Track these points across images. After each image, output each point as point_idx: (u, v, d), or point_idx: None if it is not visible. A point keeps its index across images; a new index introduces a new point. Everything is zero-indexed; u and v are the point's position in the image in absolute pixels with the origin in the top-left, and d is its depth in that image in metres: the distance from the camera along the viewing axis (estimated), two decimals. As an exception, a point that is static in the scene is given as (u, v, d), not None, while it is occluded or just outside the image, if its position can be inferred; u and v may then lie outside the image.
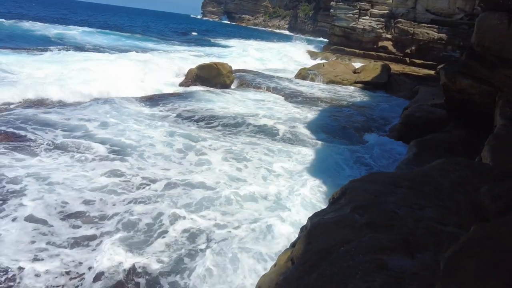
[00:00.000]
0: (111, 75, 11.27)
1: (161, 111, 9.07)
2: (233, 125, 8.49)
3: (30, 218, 4.08)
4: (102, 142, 6.45)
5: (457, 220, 2.24)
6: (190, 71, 13.10)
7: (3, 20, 24.33)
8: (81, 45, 19.91)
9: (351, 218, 2.30)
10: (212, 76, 12.77)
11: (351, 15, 26.83)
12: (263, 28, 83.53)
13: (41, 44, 18.00)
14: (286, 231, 4.34)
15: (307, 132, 8.66)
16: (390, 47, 25.00)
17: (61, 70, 11.46)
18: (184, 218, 4.41)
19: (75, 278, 3.36)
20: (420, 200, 2.47)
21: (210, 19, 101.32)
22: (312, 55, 27.98)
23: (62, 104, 8.45)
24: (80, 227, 4.10)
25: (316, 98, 12.89)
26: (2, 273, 3.30)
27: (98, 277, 3.37)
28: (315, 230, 2.32)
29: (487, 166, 3.21)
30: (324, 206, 4.89)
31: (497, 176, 2.69)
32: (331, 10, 29.34)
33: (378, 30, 25.59)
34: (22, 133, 6.38)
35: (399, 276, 1.81)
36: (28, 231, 3.89)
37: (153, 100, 9.97)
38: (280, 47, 32.71)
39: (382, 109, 12.53)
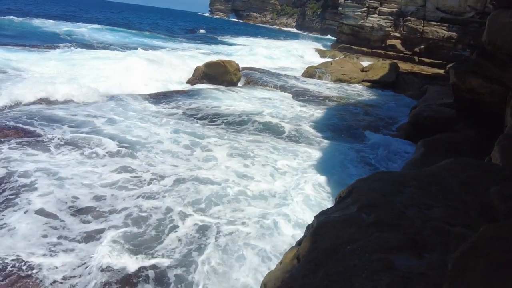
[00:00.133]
0: (118, 73, 11.36)
1: (168, 108, 9.11)
2: (239, 123, 8.50)
3: (41, 212, 4.15)
4: (111, 138, 6.52)
5: (465, 220, 2.22)
6: (197, 68, 13.13)
7: (14, 17, 24.66)
8: (90, 43, 20.09)
9: (357, 217, 2.29)
10: (219, 74, 12.79)
11: (360, 13, 26.62)
12: (271, 26, 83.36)
13: (51, 41, 18.20)
14: (291, 229, 4.36)
15: (313, 130, 8.63)
16: (399, 46, 24.76)
17: (69, 68, 11.59)
18: (193, 214, 4.46)
19: (84, 271, 3.41)
20: (428, 199, 2.44)
21: (218, 16, 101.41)
22: (320, 53, 27.88)
23: (71, 102, 8.54)
24: (91, 222, 4.16)
25: (323, 96, 12.83)
26: (15, 267, 3.36)
27: (106, 270, 3.41)
28: (322, 228, 2.31)
29: (497, 167, 3.17)
30: (329, 205, 4.90)
31: (507, 176, 2.65)
32: (340, 8, 29.14)
33: (387, 29, 25.35)
34: (32, 129, 6.47)
35: (406, 276, 1.80)
36: (40, 225, 3.96)
37: (160, 97, 10.02)
38: (288, 45, 32.66)
39: (389, 108, 12.42)
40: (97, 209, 4.41)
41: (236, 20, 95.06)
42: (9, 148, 5.52)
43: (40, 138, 6.12)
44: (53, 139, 6.16)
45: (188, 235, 4.06)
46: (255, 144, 7.19)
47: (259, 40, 37.98)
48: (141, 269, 3.51)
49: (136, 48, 17.45)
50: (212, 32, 44.66)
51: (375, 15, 26.02)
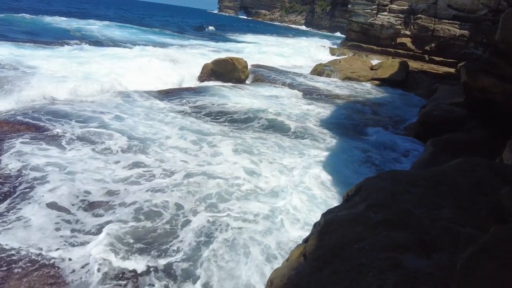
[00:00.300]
0: (128, 70, 11.46)
1: (176, 105, 9.17)
2: (245, 120, 8.52)
3: (53, 206, 4.24)
4: (121, 133, 6.62)
5: (475, 221, 2.19)
6: (205, 66, 13.16)
7: (25, 14, 24.99)
8: (100, 39, 20.28)
9: (365, 216, 2.28)
10: (227, 71, 12.80)
11: (370, 10, 26.33)
12: (280, 24, 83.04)
13: (61, 38, 18.40)
14: (297, 227, 4.38)
15: (319, 128, 8.59)
16: (409, 44, 24.43)
17: (79, 65, 11.70)
18: (202, 209, 4.52)
19: (95, 264, 3.47)
20: (437, 199, 2.42)
21: (227, 14, 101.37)
22: (329, 51, 27.68)
23: (79, 99, 8.63)
24: (103, 215, 4.24)
25: (331, 94, 12.75)
26: (30, 258, 3.43)
27: (116, 264, 3.47)
28: (329, 226, 2.31)
29: (508, 167, 3.12)
30: (334, 203, 4.90)
31: (519, 177, 2.61)
32: (349, 6, 28.87)
33: (397, 27, 25.03)
34: (42, 124, 6.57)
35: (413, 275, 1.79)
36: (52, 217, 4.04)
37: (168, 94, 10.08)
38: (296, 42, 32.52)
39: (398, 107, 12.30)
40: (109, 203, 4.48)
41: (245, 17, 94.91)
42: (22, 143, 5.62)
43: (50, 133, 6.23)
44: (65, 133, 6.27)
45: (197, 230, 4.10)
46: (263, 141, 7.20)
47: (268, 38, 37.90)
48: (149, 263, 3.56)
49: (146, 45, 17.58)
50: (221, 30, 44.67)
51: (385, 13, 25.70)
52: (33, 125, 6.49)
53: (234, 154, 6.39)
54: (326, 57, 24.48)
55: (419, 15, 24.07)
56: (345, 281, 1.84)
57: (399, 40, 24.84)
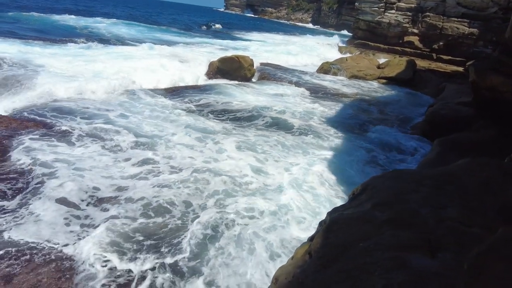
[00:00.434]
0: (135, 68, 11.50)
1: (182, 103, 9.20)
2: (250, 118, 8.53)
3: (63, 201, 4.30)
4: (128, 130, 6.68)
5: (482, 221, 2.17)
6: (211, 64, 13.18)
7: (34, 12, 25.22)
8: (107, 37, 20.38)
9: (371, 215, 2.27)
10: (233, 69, 12.80)
11: (377, 8, 26.10)
12: (286, 21, 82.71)
13: (69, 35, 18.52)
14: (302, 225, 4.39)
15: (325, 126, 8.57)
16: (417, 42, 24.18)
17: (87, 63, 11.77)
18: (210, 206, 4.56)
19: (103, 259, 3.51)
20: (443, 199, 2.40)
21: (233, 12, 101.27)
22: (335, 49, 27.53)
23: (86, 97, 8.70)
24: (111, 210, 4.29)
25: (338, 93, 12.69)
26: (40, 253, 3.49)
27: (120, 260, 3.52)
28: (334, 225, 2.31)
29: (517, 167, 3.07)
30: (339, 201, 4.90)
31: (528, 177, 2.58)
32: (356, 4, 28.64)
33: (405, 25, 24.78)
34: (51, 121, 6.66)
35: (418, 275, 1.78)
36: (62, 212, 4.10)
37: (173, 92, 10.12)
38: (303, 40, 32.38)
39: (405, 105, 12.19)
40: (118, 198, 4.53)
41: (251, 15, 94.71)
42: (31, 139, 5.70)
43: (59, 129, 6.30)
44: (74, 130, 6.36)
45: (205, 226, 4.14)
46: (268, 139, 7.21)
47: (274, 36, 37.78)
48: (156, 259, 3.60)
49: (153, 43, 17.62)
50: (228, 27, 44.62)
51: (393, 11, 25.45)
52: (40, 122, 6.57)
53: (238, 151, 6.42)
54: (332, 55, 24.31)
55: (427, 13, 23.80)
56: (350, 280, 1.84)
57: (406, 38, 24.59)
